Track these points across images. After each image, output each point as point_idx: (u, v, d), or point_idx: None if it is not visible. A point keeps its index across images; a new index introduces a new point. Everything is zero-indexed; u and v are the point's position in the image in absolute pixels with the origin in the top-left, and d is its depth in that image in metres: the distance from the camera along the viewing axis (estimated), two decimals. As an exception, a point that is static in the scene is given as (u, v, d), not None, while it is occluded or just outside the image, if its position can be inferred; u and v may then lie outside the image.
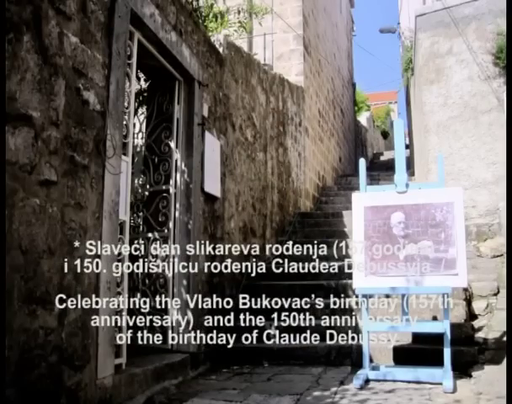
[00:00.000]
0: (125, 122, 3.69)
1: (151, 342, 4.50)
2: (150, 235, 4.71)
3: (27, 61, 2.58)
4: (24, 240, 2.53)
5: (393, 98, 31.78)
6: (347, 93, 16.84)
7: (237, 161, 6.09)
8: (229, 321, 5.31)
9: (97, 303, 3.13)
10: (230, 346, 5.07)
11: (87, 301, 3.03)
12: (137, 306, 4.62)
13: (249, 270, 6.21)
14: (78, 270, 2.96)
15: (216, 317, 5.15)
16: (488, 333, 5.07)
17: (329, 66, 13.23)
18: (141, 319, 4.58)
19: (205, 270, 4.99)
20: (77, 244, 2.95)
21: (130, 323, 4.20)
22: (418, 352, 4.55)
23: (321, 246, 7.57)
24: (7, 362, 2.35)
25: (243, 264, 6.17)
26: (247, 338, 5.18)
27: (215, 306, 5.18)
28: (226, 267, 5.59)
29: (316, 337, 5.09)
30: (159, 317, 4.52)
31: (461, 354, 4.30)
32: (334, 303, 5.45)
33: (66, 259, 2.85)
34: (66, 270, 2.84)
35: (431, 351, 4.35)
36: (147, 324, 4.55)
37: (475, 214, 7.54)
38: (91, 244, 3.10)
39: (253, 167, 6.73)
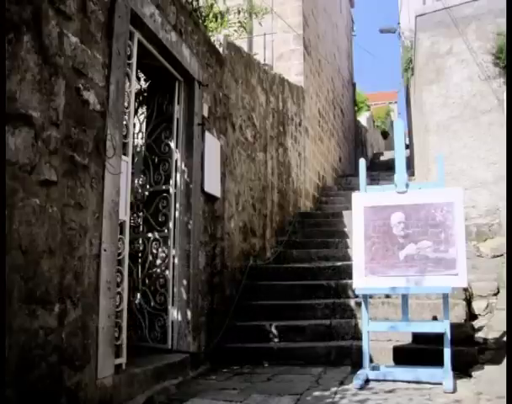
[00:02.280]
0: (125, 122, 3.69)
1: (151, 342, 4.52)
2: (150, 235, 4.71)
3: (27, 61, 2.58)
4: (24, 240, 2.53)
5: (393, 98, 31.75)
6: (347, 93, 16.84)
7: (237, 161, 6.09)
8: (229, 321, 5.33)
9: (97, 303, 3.13)
10: (230, 346, 5.09)
11: (87, 301, 3.03)
12: (137, 306, 4.62)
13: (249, 270, 6.24)
14: (78, 270, 2.96)
15: (215, 317, 5.16)
16: (487, 333, 5.08)
17: (329, 66, 13.23)
18: (141, 319, 4.60)
19: (205, 270, 5.00)
20: (77, 244, 2.96)
21: (131, 323, 4.20)
22: (418, 352, 4.55)
23: (321, 246, 7.63)
24: (7, 362, 2.35)
25: (243, 264, 6.20)
26: (247, 338, 5.20)
27: (214, 306, 5.19)
28: (226, 267, 5.61)
29: (316, 337, 5.11)
30: (159, 317, 4.53)
31: (461, 354, 4.29)
32: (334, 303, 5.47)
33: (66, 259, 2.85)
34: (66, 270, 2.84)
35: (431, 351, 4.35)
36: (147, 324, 4.56)
37: (475, 214, 7.55)
38: (91, 244, 3.10)
39: (253, 167, 6.73)
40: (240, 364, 4.82)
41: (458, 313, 4.91)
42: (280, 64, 9.74)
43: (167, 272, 4.58)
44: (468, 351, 4.41)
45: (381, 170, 13.42)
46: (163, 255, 4.62)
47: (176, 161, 4.71)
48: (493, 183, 7.54)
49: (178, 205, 4.66)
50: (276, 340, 5.18)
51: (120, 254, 3.56)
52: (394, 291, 4.44)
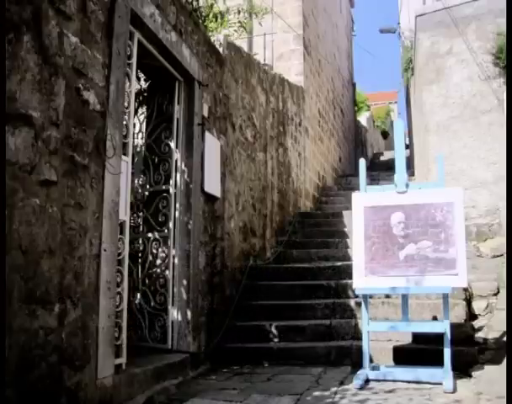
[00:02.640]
0: (125, 122, 3.69)
1: (151, 342, 4.52)
2: (150, 235, 4.71)
3: (27, 61, 2.58)
4: (24, 240, 2.53)
5: (393, 98, 31.74)
6: (347, 93, 16.84)
7: (237, 161, 6.09)
8: (229, 321, 5.33)
9: (97, 303, 3.13)
10: (230, 346, 5.09)
11: (87, 301, 3.03)
12: (137, 306, 4.62)
13: (249, 270, 6.24)
14: (78, 270, 2.96)
15: (215, 317, 5.16)
16: (487, 333, 5.08)
17: (329, 66, 13.23)
18: (141, 319, 4.60)
19: (205, 270, 5.00)
20: (77, 244, 2.96)
21: (131, 323, 4.20)
22: (418, 352, 4.55)
23: (321, 246, 7.63)
24: (7, 362, 2.35)
25: (243, 264, 6.20)
26: (247, 338, 5.20)
27: (214, 306, 5.19)
28: (226, 267, 5.61)
29: (316, 337, 5.11)
30: (159, 317, 4.53)
31: (461, 354, 4.29)
32: (334, 303, 5.47)
33: (66, 259, 2.85)
34: (66, 270, 2.84)
35: (431, 351, 4.35)
36: (147, 324, 4.56)
37: (475, 214, 7.55)
38: (91, 244, 3.10)
39: (253, 167, 6.73)
40: (240, 364, 4.82)
41: (458, 313, 4.91)
42: (280, 64, 9.74)
43: (167, 272, 4.58)
44: (468, 351, 4.41)
45: (381, 170, 13.42)
46: (163, 255, 4.62)
47: (176, 161, 4.71)
48: (493, 183, 7.54)
49: (178, 205, 4.66)
50: (276, 340, 5.18)
51: (120, 254, 3.56)
52: (394, 291, 4.44)
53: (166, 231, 4.63)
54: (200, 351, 4.73)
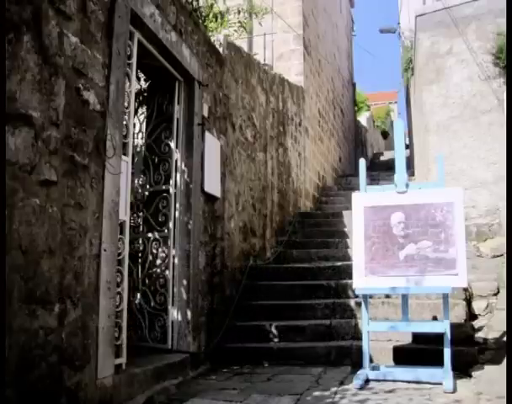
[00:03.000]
0: (125, 122, 3.69)
1: (151, 342, 4.52)
2: (150, 235, 4.71)
3: (27, 61, 2.58)
4: (24, 240, 2.53)
5: (393, 98, 31.75)
6: (347, 93, 16.83)
7: (237, 161, 6.09)
8: (229, 321, 5.33)
9: (97, 303, 3.13)
10: (230, 346, 5.09)
11: (87, 301, 3.03)
12: (137, 306, 4.62)
13: (249, 270, 6.24)
14: (78, 270, 2.96)
15: (215, 317, 5.16)
16: (487, 333, 5.08)
17: (329, 66, 13.23)
18: (141, 319, 4.60)
19: (205, 270, 5.00)
20: (77, 244, 2.96)
21: (131, 323, 4.20)
22: (418, 352, 4.55)
23: (321, 246, 7.64)
24: (7, 362, 2.35)
25: (243, 264, 6.20)
26: (247, 338, 5.20)
27: (214, 306, 5.19)
28: (226, 267, 5.61)
29: (316, 337, 5.11)
30: (159, 317, 4.53)
31: (461, 354, 4.29)
32: (334, 303, 5.47)
33: (66, 259, 2.85)
34: (66, 270, 2.84)
35: (431, 351, 4.35)
36: (147, 324, 4.56)
37: (475, 214, 7.55)
38: (91, 244, 3.10)
39: (253, 167, 6.73)
40: (240, 364, 4.82)
41: (458, 313, 4.91)
42: (280, 64, 9.74)
43: (167, 272, 4.58)
44: (468, 351, 4.41)
45: (381, 170, 13.42)
46: (163, 255, 4.62)
47: (176, 161, 4.71)
48: (493, 183, 7.54)
49: (178, 205, 4.66)
50: (276, 340, 5.18)
51: (120, 254, 3.56)
52: (394, 291, 4.44)
53: (166, 231, 4.63)
54: (199, 351, 4.73)
